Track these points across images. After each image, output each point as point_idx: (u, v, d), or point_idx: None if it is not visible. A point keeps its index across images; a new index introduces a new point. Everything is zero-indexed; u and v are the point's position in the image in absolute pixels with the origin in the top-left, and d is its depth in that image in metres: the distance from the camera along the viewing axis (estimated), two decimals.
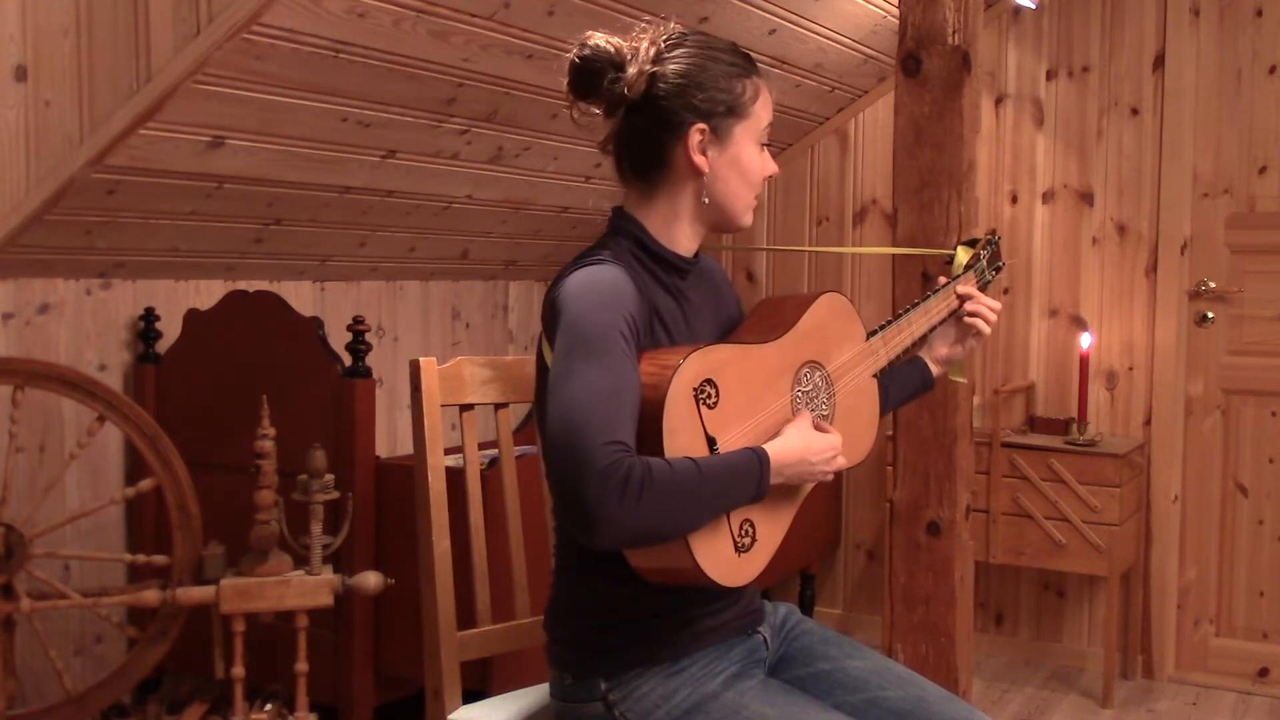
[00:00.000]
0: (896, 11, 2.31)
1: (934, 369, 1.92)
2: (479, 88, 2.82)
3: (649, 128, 1.58)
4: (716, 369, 1.50)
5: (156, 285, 3.02)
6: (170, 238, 2.82)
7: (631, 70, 1.56)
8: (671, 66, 1.57)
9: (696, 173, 1.59)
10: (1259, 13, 3.51)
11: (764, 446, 1.50)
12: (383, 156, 2.90)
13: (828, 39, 3.48)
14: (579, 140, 3.24)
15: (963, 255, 2.01)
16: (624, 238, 1.61)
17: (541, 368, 1.58)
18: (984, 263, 2.00)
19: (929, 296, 1.90)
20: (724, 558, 1.48)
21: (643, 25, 1.62)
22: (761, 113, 1.62)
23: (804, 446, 1.55)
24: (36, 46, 2.48)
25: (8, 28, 2.46)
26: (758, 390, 1.56)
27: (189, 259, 2.97)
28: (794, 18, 3.26)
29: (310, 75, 2.47)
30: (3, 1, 2.45)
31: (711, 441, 1.48)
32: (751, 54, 1.66)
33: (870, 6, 3.43)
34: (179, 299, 3.06)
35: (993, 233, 2.06)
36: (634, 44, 1.59)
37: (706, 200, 1.61)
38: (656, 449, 1.43)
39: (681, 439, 1.45)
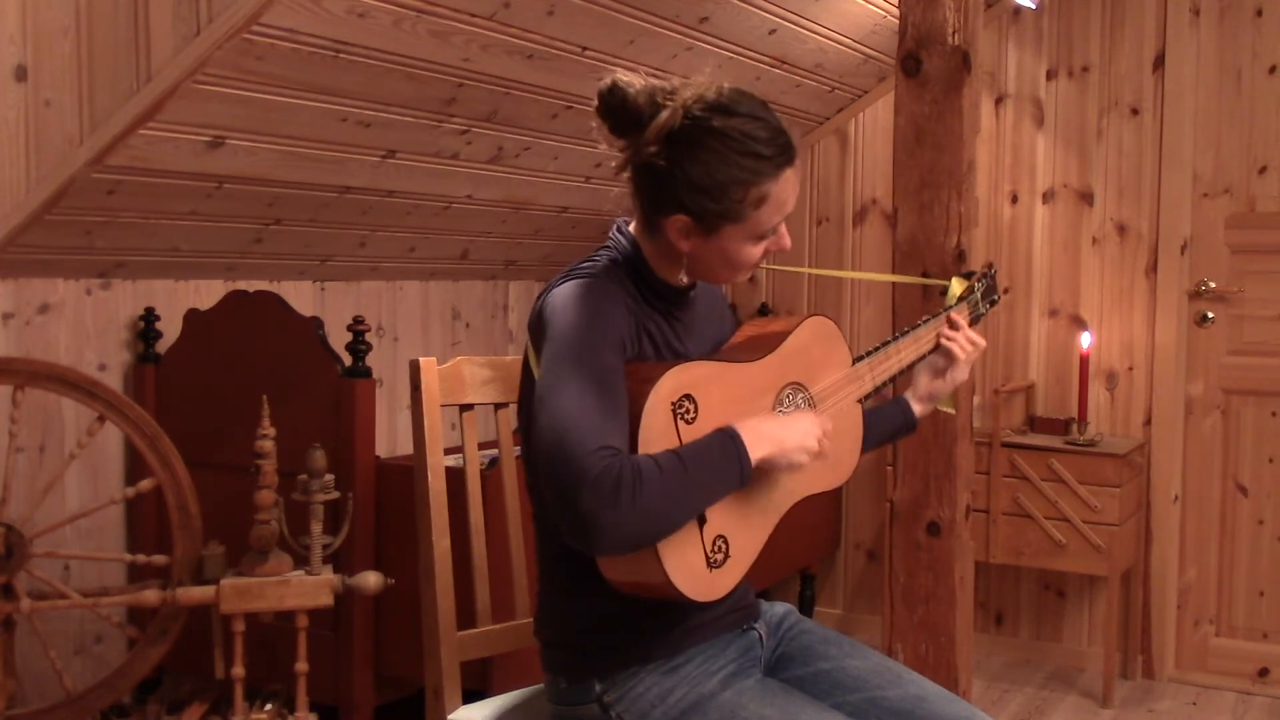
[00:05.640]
0: (896, 11, 2.31)
1: (917, 408, 1.90)
2: (479, 88, 2.82)
3: (642, 190, 1.56)
4: (696, 385, 1.50)
5: (156, 285, 3.02)
6: (170, 238, 2.82)
7: (644, 134, 1.51)
8: (676, 154, 1.49)
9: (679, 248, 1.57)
10: (1259, 13, 3.51)
11: (728, 424, 1.49)
12: (383, 156, 2.90)
13: (828, 39, 3.48)
14: (579, 140, 3.24)
15: (957, 287, 2.00)
16: (620, 254, 1.61)
17: (528, 375, 1.58)
18: (978, 295, 1.99)
19: (920, 325, 1.88)
20: (696, 572, 1.47)
21: (687, 78, 1.55)
22: (764, 217, 1.53)
23: (774, 418, 1.54)
24: (36, 46, 2.48)
25: (8, 28, 2.46)
26: (738, 408, 1.55)
27: (189, 259, 2.97)
28: (794, 18, 3.26)
29: (310, 75, 2.47)
30: (3, 1, 2.45)
31: None
32: (791, 144, 1.54)
33: (870, 6, 3.43)
34: (179, 299, 3.06)
35: (989, 266, 2.05)
36: (663, 102, 1.51)
37: (684, 279, 1.61)
38: None
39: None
